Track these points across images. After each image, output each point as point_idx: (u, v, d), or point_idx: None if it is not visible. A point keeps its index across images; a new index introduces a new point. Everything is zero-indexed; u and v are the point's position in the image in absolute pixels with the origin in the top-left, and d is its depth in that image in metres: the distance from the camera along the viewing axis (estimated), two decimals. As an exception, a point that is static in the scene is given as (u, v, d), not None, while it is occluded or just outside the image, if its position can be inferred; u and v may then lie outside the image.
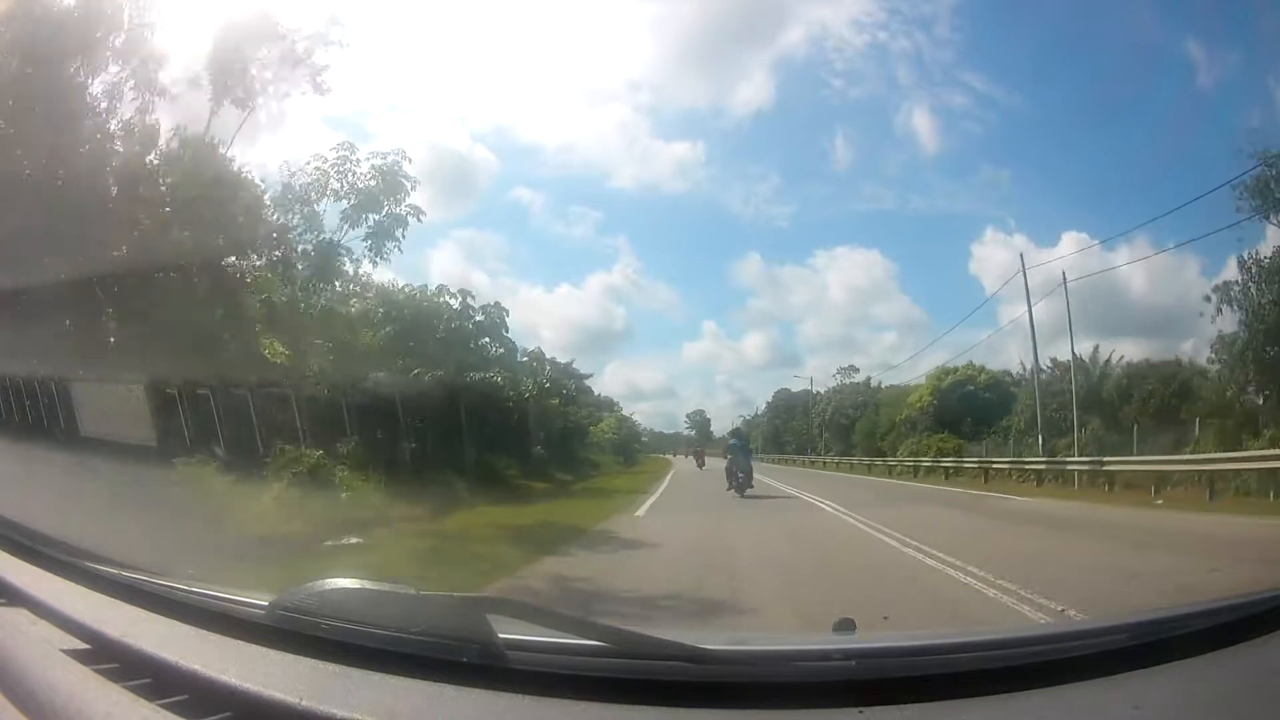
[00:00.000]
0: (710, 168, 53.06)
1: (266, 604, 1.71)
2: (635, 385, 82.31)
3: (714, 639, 1.60)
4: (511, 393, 23.31)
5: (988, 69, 45.02)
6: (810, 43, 51.19)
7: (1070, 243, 30.24)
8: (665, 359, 76.17)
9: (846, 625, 2.04)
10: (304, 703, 1.38)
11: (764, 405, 64.68)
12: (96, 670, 1.56)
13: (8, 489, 7.20)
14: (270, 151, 30.94)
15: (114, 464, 9.91)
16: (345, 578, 1.68)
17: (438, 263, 52.69)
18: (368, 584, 1.65)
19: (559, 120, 55.83)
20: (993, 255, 48.06)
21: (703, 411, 75.38)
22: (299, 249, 15.84)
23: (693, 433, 74.15)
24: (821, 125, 58.04)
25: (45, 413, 10.84)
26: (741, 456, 19.97)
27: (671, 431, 72.36)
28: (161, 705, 1.44)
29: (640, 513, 15.88)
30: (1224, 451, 16.84)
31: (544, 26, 54.64)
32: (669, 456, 59.90)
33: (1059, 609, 5.88)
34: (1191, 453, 17.92)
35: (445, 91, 49.98)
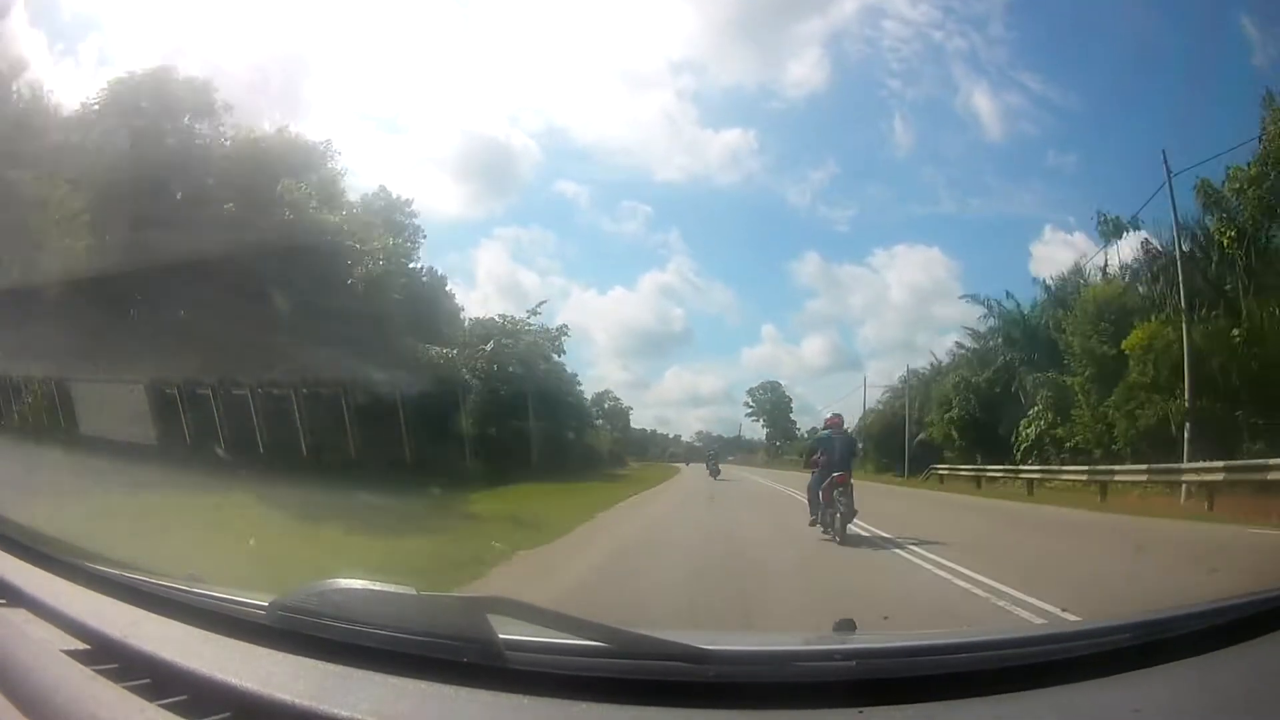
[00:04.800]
0: (763, 157, 50.44)
1: (267, 604, 1.70)
2: (695, 391, 74.98)
3: (714, 639, 1.60)
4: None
5: (1044, 65, 42.75)
6: (864, 13, 46.45)
7: (1130, 240, 27.02)
8: (724, 364, 70.59)
9: (846, 625, 2.04)
10: (304, 703, 1.38)
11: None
12: (96, 670, 1.56)
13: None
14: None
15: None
16: (346, 578, 1.68)
17: (483, 263, 49.77)
18: (368, 584, 1.65)
19: (599, 107, 53.09)
20: (1054, 255, 43.60)
21: (779, 385, 52.26)
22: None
23: (759, 422, 54.72)
24: (879, 110, 52.56)
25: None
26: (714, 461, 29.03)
27: (732, 435, 58.55)
28: (161, 705, 1.44)
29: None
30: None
31: (574, 5, 52.52)
32: (680, 466, 47.86)
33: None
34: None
35: (482, 78, 46.84)
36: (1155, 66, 36.13)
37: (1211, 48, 32.77)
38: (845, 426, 12.61)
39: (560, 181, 58.74)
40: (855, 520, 10.61)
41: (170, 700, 1.45)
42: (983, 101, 46.65)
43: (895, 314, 50.13)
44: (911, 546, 9.57)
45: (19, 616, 1.85)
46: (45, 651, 1.66)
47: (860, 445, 19.57)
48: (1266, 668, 1.58)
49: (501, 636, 1.47)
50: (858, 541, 10.21)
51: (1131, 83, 40.11)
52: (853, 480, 10.74)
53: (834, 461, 11.10)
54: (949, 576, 7.53)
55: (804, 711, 1.40)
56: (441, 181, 47.07)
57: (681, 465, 49.48)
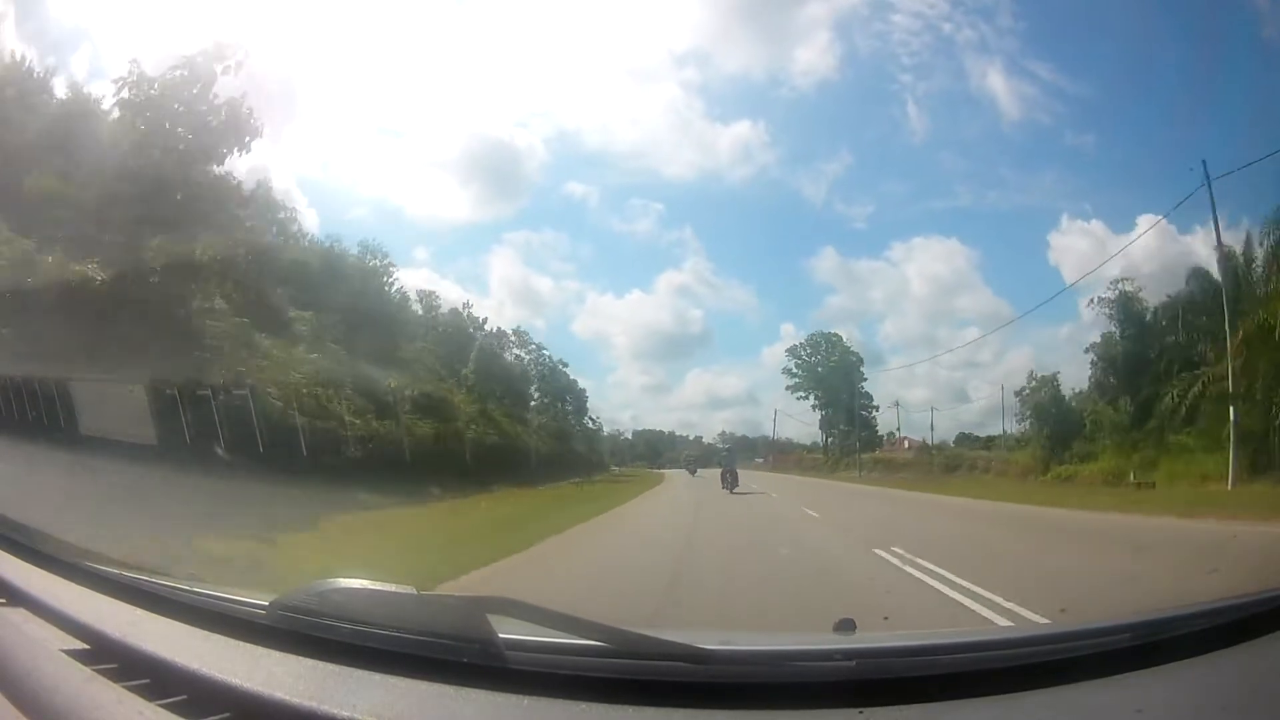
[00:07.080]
0: (775, 150, 49.06)
1: (267, 604, 1.70)
2: (717, 393, 69.86)
3: (714, 639, 1.60)
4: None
5: (1056, 53, 41.47)
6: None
7: (1146, 226, 25.70)
8: (746, 365, 68.89)
9: (846, 625, 2.04)
10: (304, 703, 1.38)
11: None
12: (96, 670, 1.56)
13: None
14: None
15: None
16: (346, 578, 1.68)
17: (496, 269, 49.45)
18: (369, 584, 1.65)
19: (604, 104, 51.86)
20: (1072, 244, 40.53)
21: (839, 338, 37.07)
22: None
23: (809, 399, 38.66)
24: (891, 97, 51.77)
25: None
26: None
27: (756, 435, 55.64)
28: (161, 705, 1.44)
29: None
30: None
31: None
32: (666, 473, 46.27)
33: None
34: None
35: (486, 79, 46.10)
36: (1166, 50, 35.27)
37: (1224, 26, 32.27)
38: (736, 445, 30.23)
39: (569, 182, 57.78)
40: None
41: (170, 700, 1.45)
42: (997, 83, 44.89)
43: (916, 307, 48.65)
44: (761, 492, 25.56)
45: (18, 616, 1.85)
46: (44, 651, 1.66)
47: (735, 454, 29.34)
48: (1268, 668, 1.58)
49: (501, 636, 1.47)
50: (739, 494, 24.76)
51: (1144, 67, 39.32)
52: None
53: (728, 461, 27.34)
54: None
55: (804, 712, 1.40)
56: (448, 186, 46.89)
57: (668, 471, 48.12)
